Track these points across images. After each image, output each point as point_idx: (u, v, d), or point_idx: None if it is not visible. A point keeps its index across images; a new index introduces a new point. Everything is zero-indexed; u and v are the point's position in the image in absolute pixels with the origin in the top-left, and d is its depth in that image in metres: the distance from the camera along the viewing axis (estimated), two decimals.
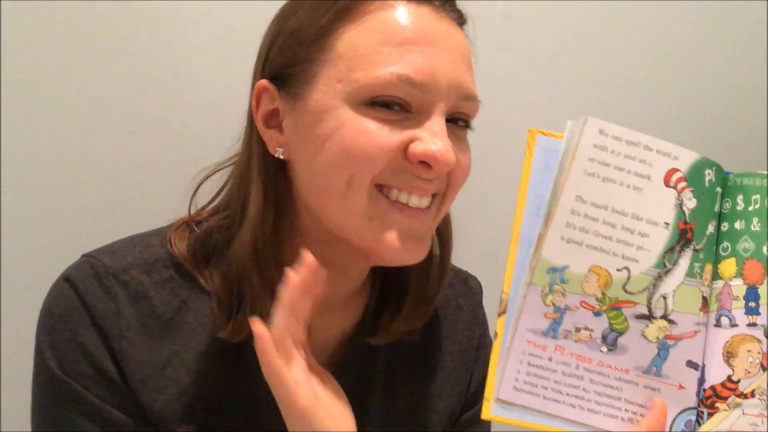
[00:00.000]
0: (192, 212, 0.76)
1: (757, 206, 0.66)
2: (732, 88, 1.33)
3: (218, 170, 0.77)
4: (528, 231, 0.64)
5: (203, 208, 0.76)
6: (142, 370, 0.69)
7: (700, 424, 0.66)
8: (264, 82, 0.68)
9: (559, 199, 0.63)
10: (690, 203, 0.65)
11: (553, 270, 0.64)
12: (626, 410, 0.65)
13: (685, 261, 0.65)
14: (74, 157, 0.98)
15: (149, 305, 0.70)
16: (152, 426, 0.69)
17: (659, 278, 0.64)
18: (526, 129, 0.65)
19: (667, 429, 0.65)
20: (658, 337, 0.65)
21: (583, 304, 0.64)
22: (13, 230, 0.98)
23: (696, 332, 0.65)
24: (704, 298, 0.66)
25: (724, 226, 0.67)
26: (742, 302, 0.65)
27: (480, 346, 0.86)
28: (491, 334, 0.79)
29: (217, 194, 0.76)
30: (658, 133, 0.64)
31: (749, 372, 0.64)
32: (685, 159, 0.64)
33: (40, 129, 0.98)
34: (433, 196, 0.69)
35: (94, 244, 0.74)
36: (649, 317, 0.64)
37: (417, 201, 0.67)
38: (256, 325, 0.61)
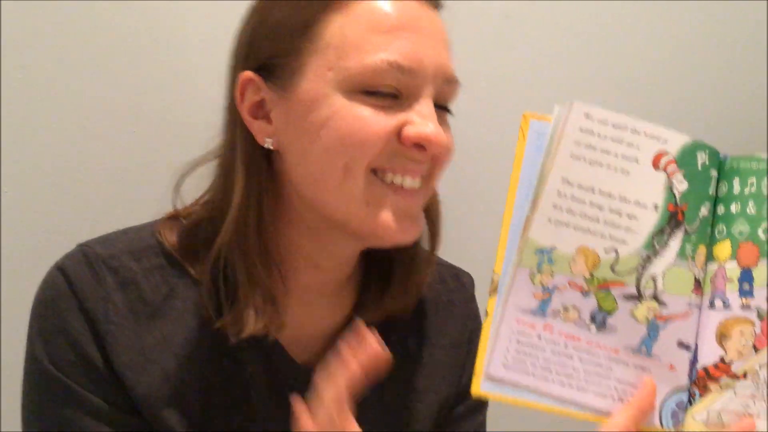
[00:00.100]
0: (179, 206, 0.78)
1: (753, 189, 0.66)
2: (732, 88, 1.31)
3: (200, 165, 0.78)
4: (519, 214, 0.66)
5: (196, 202, 0.78)
6: (128, 354, 0.71)
7: (691, 405, 0.66)
8: (249, 73, 0.69)
9: (546, 182, 0.65)
10: (681, 186, 0.65)
11: (540, 251, 0.65)
12: (616, 389, 0.66)
13: (675, 243, 0.65)
14: (74, 157, 0.99)
15: (138, 291, 0.72)
16: (133, 415, 0.71)
17: (648, 259, 0.65)
18: None
19: (658, 409, 0.66)
20: (647, 318, 0.65)
21: (572, 285, 0.65)
22: (13, 230, 0.99)
23: (688, 313, 0.66)
24: (697, 280, 0.66)
25: (720, 210, 0.67)
26: (736, 284, 0.65)
27: (472, 340, 0.87)
28: (482, 313, 0.80)
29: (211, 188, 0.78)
30: None
31: (742, 353, 0.64)
32: (675, 142, 0.65)
33: (40, 129, 0.99)
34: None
35: None
36: (638, 297, 0.65)
37: (410, 182, 0.69)
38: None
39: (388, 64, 0.65)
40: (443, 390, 0.84)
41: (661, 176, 0.65)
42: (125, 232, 0.76)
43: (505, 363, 0.66)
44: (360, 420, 0.76)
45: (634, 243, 0.65)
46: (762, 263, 0.65)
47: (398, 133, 0.67)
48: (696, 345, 0.66)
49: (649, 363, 0.66)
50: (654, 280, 0.65)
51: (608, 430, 0.64)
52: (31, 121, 0.99)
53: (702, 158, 0.66)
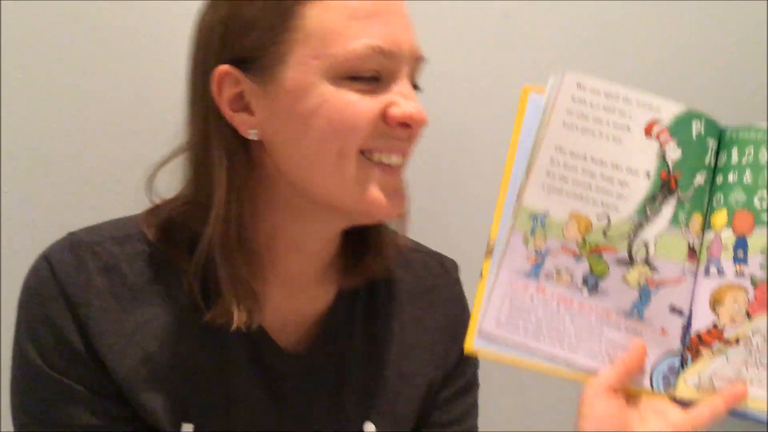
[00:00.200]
0: (157, 201, 0.79)
1: (750, 158, 0.66)
2: (733, 88, 1.26)
3: (171, 161, 0.78)
4: (516, 182, 0.69)
5: (175, 197, 0.78)
6: (110, 337, 0.72)
7: (683, 369, 0.67)
8: (225, 67, 0.69)
9: (540, 150, 0.68)
10: (674, 154, 0.66)
11: (534, 216, 0.68)
12: (607, 350, 0.68)
13: (668, 210, 0.66)
14: (74, 157, 0.99)
15: (120, 275, 0.74)
16: (117, 401, 0.73)
17: (640, 225, 0.67)
18: None
19: (649, 372, 0.68)
20: (639, 282, 0.67)
21: (564, 249, 0.68)
22: (13, 230, 0.98)
23: (680, 279, 0.67)
24: (691, 248, 0.67)
25: (719, 180, 0.68)
26: (731, 252, 0.66)
27: (458, 323, 0.87)
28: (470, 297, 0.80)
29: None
30: None
31: (734, 320, 0.65)
32: (668, 111, 0.66)
33: (40, 129, 0.98)
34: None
35: None
36: (629, 262, 0.67)
37: (395, 159, 0.72)
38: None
39: (371, 48, 0.67)
40: (429, 373, 0.86)
41: (653, 144, 0.66)
42: (112, 222, 0.78)
43: (498, 321, 0.69)
44: (348, 404, 0.81)
45: (625, 209, 0.67)
46: (757, 231, 0.65)
47: (383, 115, 0.69)
48: (690, 311, 0.67)
49: (640, 327, 0.67)
50: (646, 245, 0.67)
51: (593, 386, 0.66)
52: (31, 121, 0.98)
53: (697, 127, 0.67)
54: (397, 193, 0.73)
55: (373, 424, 0.81)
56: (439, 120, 1.19)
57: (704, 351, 0.66)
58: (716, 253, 0.67)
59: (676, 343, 0.67)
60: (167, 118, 0.94)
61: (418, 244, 0.91)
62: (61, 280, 0.72)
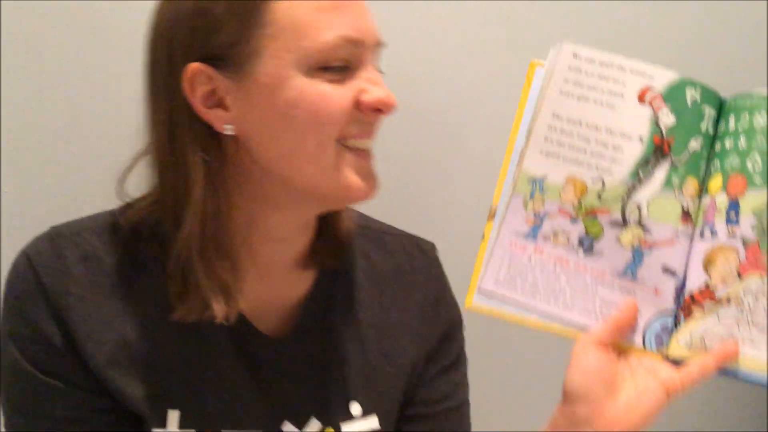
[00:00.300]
0: (128, 200, 0.80)
1: (745, 124, 0.68)
2: (733, 88, 1.23)
3: (134, 165, 0.79)
4: (518, 150, 0.73)
5: (144, 197, 0.79)
6: (89, 324, 0.74)
7: (677, 329, 0.68)
8: (196, 65, 0.70)
9: (538, 117, 0.71)
10: (667, 119, 0.69)
11: (533, 180, 0.72)
12: (600, 309, 0.70)
13: (661, 173, 0.69)
14: (74, 157, 1.00)
15: (99, 264, 0.75)
16: (95, 393, 0.75)
17: (633, 188, 0.69)
18: None
19: (642, 330, 0.69)
20: (632, 243, 0.69)
21: (561, 211, 0.71)
22: (13, 230, 0.99)
23: (673, 241, 0.68)
24: (685, 210, 0.69)
25: (717, 147, 0.69)
26: (724, 214, 0.67)
27: (439, 302, 0.91)
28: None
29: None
30: None
31: (726, 280, 0.66)
32: (662, 78, 0.69)
33: (40, 129, 0.99)
34: None
35: None
36: (623, 224, 0.69)
37: (368, 143, 0.75)
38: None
39: (341, 38, 0.69)
40: (413, 352, 0.88)
41: (646, 110, 0.69)
42: (92, 215, 0.80)
43: (497, 280, 0.72)
44: (332, 385, 0.83)
45: (619, 173, 0.69)
46: (749, 193, 0.66)
47: (356, 102, 0.72)
48: (686, 273, 0.69)
49: (633, 286, 0.69)
50: (639, 207, 0.69)
51: (583, 340, 0.68)
52: (31, 121, 0.99)
53: (692, 94, 0.69)
54: (371, 175, 0.76)
55: (358, 404, 0.83)
56: (439, 119, 1.24)
57: (696, 311, 0.67)
58: (711, 217, 0.68)
59: (669, 304, 0.69)
60: None
61: (394, 228, 0.93)
62: (39, 272, 0.74)
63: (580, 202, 0.71)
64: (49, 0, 0.98)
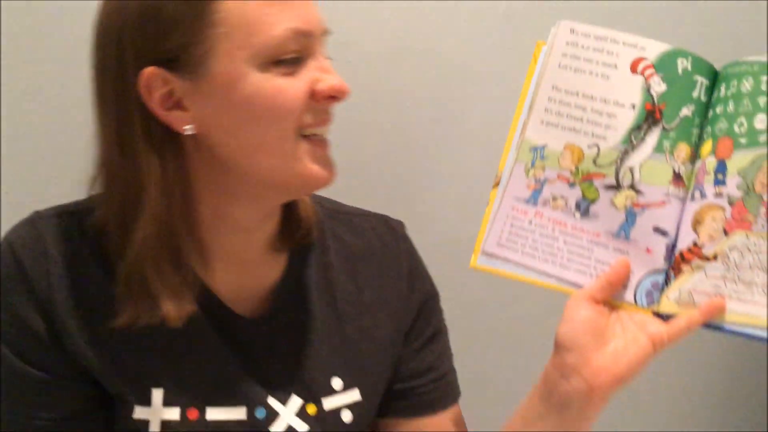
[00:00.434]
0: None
1: (734, 89, 0.71)
2: None
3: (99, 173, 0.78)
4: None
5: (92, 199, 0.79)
6: (70, 303, 0.75)
7: (667, 286, 0.71)
8: (151, 69, 0.70)
9: (539, 89, 0.76)
10: (659, 87, 0.72)
11: (534, 149, 0.77)
12: (595, 267, 0.74)
13: (652, 138, 0.72)
14: (74, 158, 0.96)
15: (77, 245, 0.76)
16: (79, 381, 0.76)
17: (626, 153, 0.73)
18: None
19: (633, 288, 0.72)
20: (625, 205, 0.73)
21: (560, 177, 0.75)
22: None
23: (664, 202, 0.72)
24: (676, 173, 0.72)
25: (710, 114, 0.72)
26: (713, 176, 0.70)
27: (413, 275, 0.93)
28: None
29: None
30: None
31: (712, 237, 0.69)
32: (654, 49, 0.73)
33: (40, 129, 0.98)
34: None
35: None
36: (617, 187, 0.73)
37: (324, 131, 0.77)
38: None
39: (292, 31, 0.71)
40: (391, 327, 0.90)
41: (638, 79, 0.73)
42: (72, 201, 0.81)
43: (499, 242, 0.77)
44: (313, 362, 0.84)
45: (613, 139, 0.73)
46: (735, 155, 0.69)
47: (310, 92, 0.73)
48: (677, 234, 0.72)
49: (627, 246, 0.73)
50: (631, 171, 0.73)
51: (576, 295, 0.72)
52: (31, 121, 0.98)
53: (683, 64, 0.72)
54: (329, 162, 0.78)
55: (340, 379, 0.85)
56: (440, 118, 1.29)
57: (685, 268, 0.70)
58: (701, 179, 0.71)
59: (660, 262, 0.72)
60: None
61: (363, 210, 0.96)
62: (20, 258, 0.75)
63: (577, 168, 0.75)
64: (49, 0, 0.99)
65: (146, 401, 0.78)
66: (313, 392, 0.83)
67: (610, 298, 0.73)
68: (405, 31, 1.26)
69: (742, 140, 0.69)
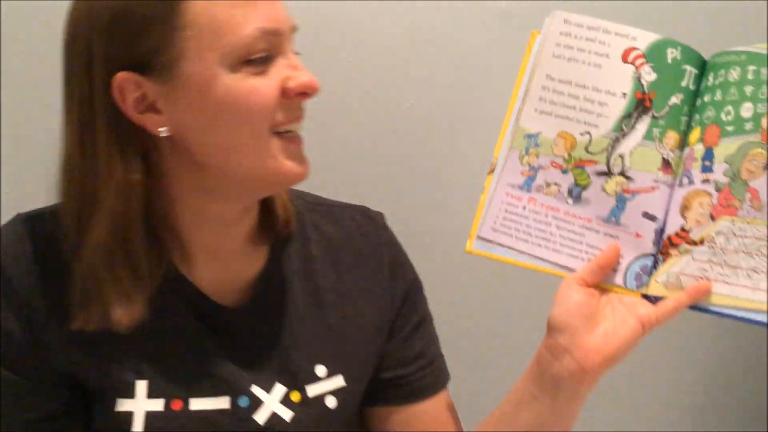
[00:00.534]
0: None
1: (721, 79, 0.73)
2: None
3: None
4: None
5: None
6: (49, 300, 0.76)
7: (656, 269, 0.74)
8: (123, 74, 0.70)
9: (533, 79, 0.78)
10: (649, 77, 0.74)
11: (528, 136, 0.79)
12: (586, 252, 0.76)
13: (642, 126, 0.74)
14: None
15: (56, 243, 0.76)
16: (57, 386, 0.77)
17: (617, 140, 0.75)
18: None
19: (623, 271, 0.75)
20: (616, 191, 0.75)
21: (553, 164, 0.78)
22: None
23: (653, 188, 0.74)
24: (665, 160, 0.74)
25: (698, 103, 0.75)
26: (700, 163, 0.72)
27: (394, 263, 0.94)
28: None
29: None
30: None
31: (699, 222, 0.71)
32: (644, 39, 0.75)
33: (40, 129, 0.97)
34: None
35: None
36: (607, 173, 0.75)
37: (297, 127, 0.78)
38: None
39: (260, 31, 0.71)
40: (375, 315, 0.91)
41: (629, 68, 0.75)
42: (54, 204, 0.80)
43: (494, 227, 0.79)
44: (297, 350, 0.85)
45: (604, 126, 0.75)
46: (722, 142, 0.71)
47: (282, 90, 0.74)
48: (665, 219, 0.74)
49: (617, 231, 0.75)
50: (622, 158, 0.75)
51: (568, 279, 0.75)
52: (31, 121, 0.98)
53: (672, 53, 0.74)
54: (303, 158, 0.79)
55: (323, 366, 0.86)
56: (439, 117, 1.30)
57: (673, 252, 0.73)
58: (689, 166, 0.73)
59: (649, 246, 0.74)
60: None
61: (343, 202, 0.96)
62: (1, 259, 0.76)
63: (570, 155, 0.77)
64: (49, 0, 0.99)
65: (130, 394, 0.78)
66: (297, 380, 0.84)
67: (601, 282, 0.75)
68: (405, 29, 1.27)
69: (729, 128, 0.71)
